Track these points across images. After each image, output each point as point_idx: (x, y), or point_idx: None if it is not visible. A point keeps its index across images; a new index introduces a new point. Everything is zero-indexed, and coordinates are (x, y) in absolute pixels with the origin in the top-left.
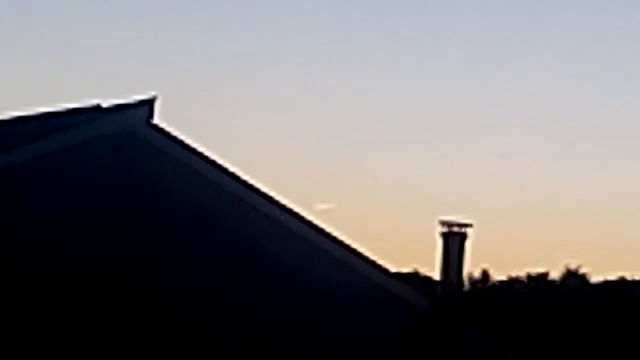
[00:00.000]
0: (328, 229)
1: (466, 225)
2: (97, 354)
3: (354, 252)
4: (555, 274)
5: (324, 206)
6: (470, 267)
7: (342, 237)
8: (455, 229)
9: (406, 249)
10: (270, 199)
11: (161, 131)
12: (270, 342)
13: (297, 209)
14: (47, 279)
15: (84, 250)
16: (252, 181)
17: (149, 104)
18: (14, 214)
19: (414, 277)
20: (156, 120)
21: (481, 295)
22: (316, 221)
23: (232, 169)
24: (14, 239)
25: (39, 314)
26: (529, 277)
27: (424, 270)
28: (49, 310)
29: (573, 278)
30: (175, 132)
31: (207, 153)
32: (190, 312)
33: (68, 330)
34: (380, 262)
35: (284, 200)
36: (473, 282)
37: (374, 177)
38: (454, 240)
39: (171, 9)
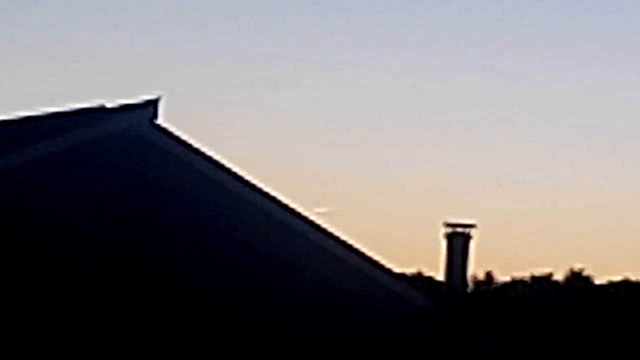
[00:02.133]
0: (331, 230)
1: (470, 226)
2: (103, 352)
3: (357, 252)
4: (559, 276)
5: (321, 210)
6: (474, 268)
7: (345, 238)
8: (459, 230)
9: (410, 250)
10: (273, 199)
11: (165, 132)
12: (272, 342)
13: (300, 209)
14: (52, 278)
15: (89, 249)
16: (255, 181)
17: (153, 104)
18: (19, 214)
19: (418, 278)
20: (160, 120)
21: (485, 296)
22: (319, 221)
23: (235, 169)
24: (20, 238)
25: (44, 313)
26: (533, 278)
27: (427, 272)
28: (54, 309)
29: (577, 279)
30: (179, 133)
31: (211, 153)
32: (195, 310)
33: (73, 329)
34: (384, 263)
35: (287, 201)
36: (477, 283)
37: (378, 179)
38: (458, 241)
39: (176, 9)
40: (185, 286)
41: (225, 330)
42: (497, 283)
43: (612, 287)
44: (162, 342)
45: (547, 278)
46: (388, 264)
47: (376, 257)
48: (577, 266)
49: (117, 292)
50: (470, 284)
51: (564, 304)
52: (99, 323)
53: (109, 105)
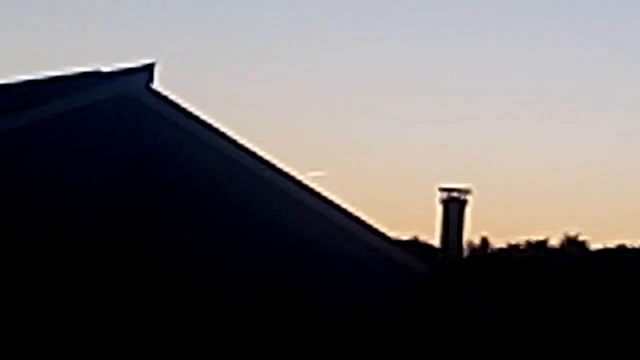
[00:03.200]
0: (327, 194)
1: (466, 192)
2: (101, 318)
3: (353, 218)
4: (554, 241)
5: (315, 174)
6: (470, 234)
7: (341, 203)
8: (455, 195)
9: (406, 216)
10: (268, 164)
11: (161, 96)
12: (267, 306)
13: (295, 173)
14: (47, 243)
15: (85, 214)
16: (249, 146)
17: (149, 68)
18: (14, 179)
19: (414, 243)
20: (156, 85)
21: (481, 262)
22: (314, 185)
23: (230, 133)
24: (15, 204)
25: (40, 281)
26: (529, 244)
27: (424, 237)
28: (49, 278)
29: (573, 245)
30: (174, 97)
31: (206, 118)
32: (192, 273)
33: (71, 296)
34: (380, 228)
35: (282, 165)
36: (473, 249)
37: (373, 143)
38: (453, 207)
39: None
40: (182, 248)
41: (222, 291)
42: (492, 249)
43: (607, 252)
44: (161, 305)
45: (543, 244)
46: (384, 230)
47: (372, 223)
48: (572, 232)
49: (113, 255)
50: (466, 250)
51: (559, 270)
52: (97, 289)
53: (105, 69)
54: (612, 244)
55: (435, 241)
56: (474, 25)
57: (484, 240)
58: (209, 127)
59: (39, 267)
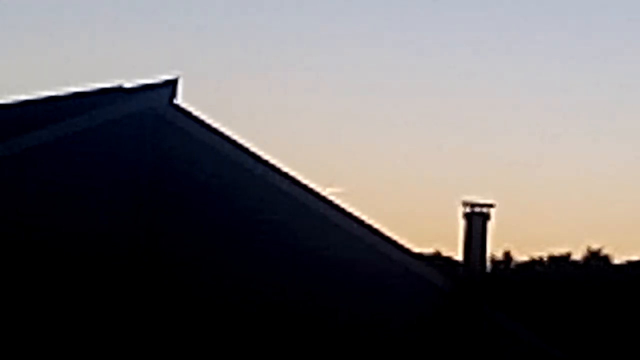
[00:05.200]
0: (350, 209)
1: (489, 206)
2: (118, 325)
3: (375, 232)
4: (577, 255)
5: (333, 189)
6: (493, 248)
7: (363, 217)
8: (478, 209)
9: (428, 230)
10: (292, 179)
11: (184, 112)
12: (289, 321)
13: (318, 188)
14: (69, 257)
15: (107, 229)
16: (273, 161)
17: (172, 84)
18: (38, 194)
19: (436, 257)
20: (179, 100)
21: (503, 276)
22: (337, 201)
23: (253, 149)
24: (37, 220)
25: (60, 294)
26: (551, 258)
27: (446, 251)
28: (70, 290)
29: (595, 259)
30: (198, 113)
31: (229, 133)
32: (212, 286)
33: (90, 308)
34: (403, 242)
35: (305, 180)
36: (495, 263)
37: (396, 158)
38: (476, 221)
39: None
40: (205, 265)
41: (238, 305)
42: (515, 263)
43: (630, 266)
44: (180, 316)
45: (566, 258)
46: (406, 244)
47: (395, 237)
48: (595, 245)
49: (135, 269)
50: (489, 264)
51: (582, 284)
52: (117, 302)
53: (128, 85)
54: (634, 257)
55: (458, 255)
56: (500, 36)
57: (507, 254)
58: (232, 142)
59: (59, 281)
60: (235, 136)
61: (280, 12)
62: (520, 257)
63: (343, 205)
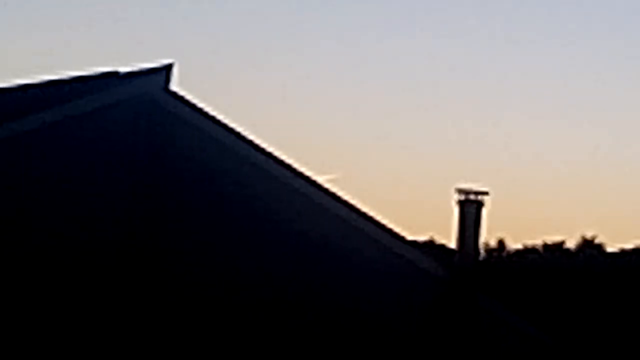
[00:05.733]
0: (343, 196)
1: (482, 193)
2: (117, 320)
3: (369, 219)
4: (571, 243)
5: (327, 176)
6: (486, 236)
7: (357, 204)
8: (472, 197)
9: (422, 217)
10: (285, 165)
11: (178, 97)
12: (283, 309)
13: (311, 174)
14: (64, 243)
15: (101, 214)
16: (266, 147)
17: (166, 70)
18: (32, 180)
19: (430, 245)
20: (173, 86)
21: (497, 264)
22: (330, 187)
23: (247, 135)
24: (32, 205)
25: (56, 281)
26: (545, 246)
27: (440, 239)
28: (65, 278)
29: (589, 247)
30: (192, 98)
31: (224, 119)
32: (209, 276)
33: (88, 296)
34: (396, 230)
35: (298, 166)
36: (489, 250)
37: (389, 145)
38: (470, 209)
39: None
40: (198, 251)
41: (235, 294)
42: (509, 251)
43: (624, 254)
44: (177, 306)
45: (559, 246)
46: (400, 231)
47: (388, 224)
48: (589, 234)
49: (128, 251)
50: (482, 252)
51: (575, 272)
52: (113, 291)
53: (122, 70)
54: (629, 245)
55: (452, 243)
56: (493, 26)
57: (501, 242)
58: (226, 128)
59: (54, 267)
60: (230, 123)
61: None
62: (514, 245)
63: (337, 192)
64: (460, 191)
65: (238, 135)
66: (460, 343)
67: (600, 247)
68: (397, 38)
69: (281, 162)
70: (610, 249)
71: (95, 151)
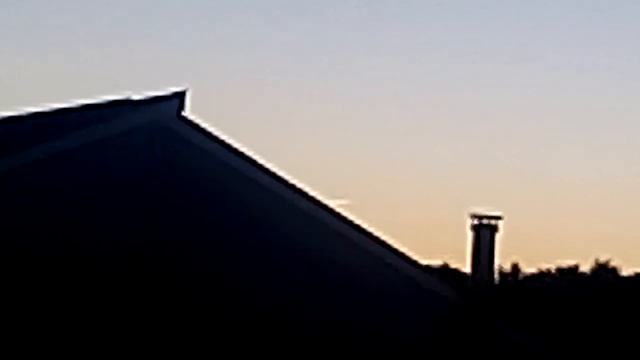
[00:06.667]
0: (357, 221)
1: (496, 218)
2: (125, 333)
3: (383, 244)
4: (585, 267)
5: (343, 201)
6: (500, 260)
7: (371, 229)
8: (486, 221)
9: (436, 242)
10: (299, 191)
11: (192, 124)
12: (298, 334)
13: (325, 200)
14: (78, 271)
15: (115, 241)
16: (281, 173)
17: (180, 96)
18: (46, 207)
19: (444, 270)
20: (187, 112)
21: (511, 288)
22: (344, 213)
23: (261, 161)
24: (46, 231)
25: (66, 308)
26: (559, 270)
27: (454, 264)
28: (76, 304)
29: (603, 271)
30: (206, 125)
31: (238, 146)
32: (222, 301)
33: (97, 318)
34: (410, 254)
35: (313, 192)
36: (503, 275)
37: (403, 170)
38: (484, 233)
39: (204, 1)
40: (213, 276)
41: (246, 317)
42: (523, 275)
43: (639, 278)
44: (188, 330)
45: (574, 270)
46: (414, 256)
47: (402, 249)
48: (603, 257)
49: (142, 279)
50: (497, 276)
51: (590, 296)
52: (123, 316)
53: (136, 97)
54: None
55: (466, 267)
56: (509, 51)
57: (515, 267)
58: (240, 154)
59: (64, 289)
60: (243, 148)
61: (290, 24)
62: (528, 269)
63: (350, 217)
64: (474, 216)
65: (252, 161)
66: None
67: (614, 271)
68: (414, 60)
69: (294, 187)
70: (624, 272)
71: (109, 178)
